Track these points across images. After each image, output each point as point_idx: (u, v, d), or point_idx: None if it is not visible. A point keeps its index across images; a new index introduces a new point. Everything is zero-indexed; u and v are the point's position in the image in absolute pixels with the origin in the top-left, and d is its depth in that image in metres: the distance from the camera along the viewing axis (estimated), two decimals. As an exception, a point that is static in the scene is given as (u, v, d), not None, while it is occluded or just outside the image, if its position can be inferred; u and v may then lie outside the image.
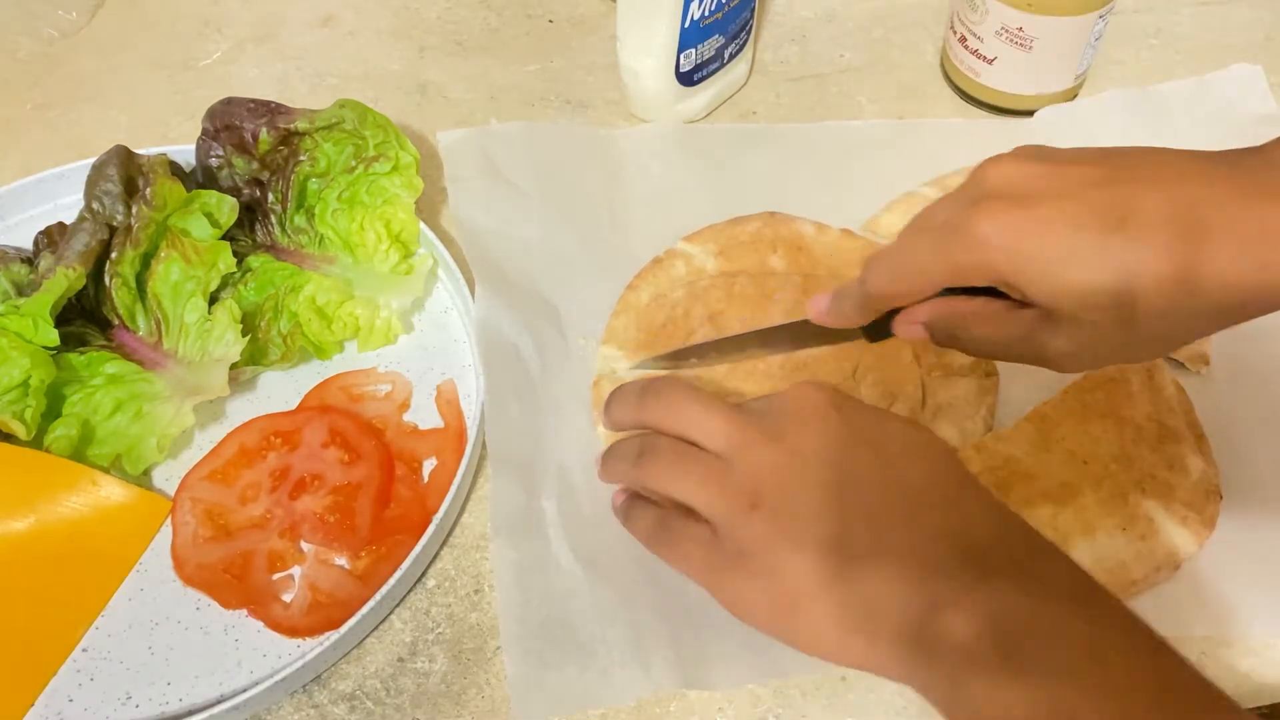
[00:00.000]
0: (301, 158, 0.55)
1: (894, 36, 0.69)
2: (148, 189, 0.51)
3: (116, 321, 0.51)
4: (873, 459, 0.39)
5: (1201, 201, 0.33)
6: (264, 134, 0.55)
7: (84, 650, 0.45)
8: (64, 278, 0.49)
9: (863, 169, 0.60)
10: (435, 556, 0.47)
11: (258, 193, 0.55)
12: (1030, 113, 0.62)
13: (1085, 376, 0.50)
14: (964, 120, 0.63)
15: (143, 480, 0.49)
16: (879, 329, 0.42)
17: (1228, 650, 0.43)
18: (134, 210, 0.51)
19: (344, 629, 0.43)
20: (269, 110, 0.55)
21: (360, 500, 0.47)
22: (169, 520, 0.48)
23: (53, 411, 0.49)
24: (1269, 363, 0.51)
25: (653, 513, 0.43)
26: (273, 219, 0.55)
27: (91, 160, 0.53)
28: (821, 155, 0.60)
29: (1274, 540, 0.46)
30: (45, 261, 0.51)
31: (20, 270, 0.52)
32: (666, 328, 0.52)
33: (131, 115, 0.66)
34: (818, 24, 0.70)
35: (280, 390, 0.53)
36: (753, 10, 0.63)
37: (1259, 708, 0.43)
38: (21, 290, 0.51)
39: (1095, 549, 0.44)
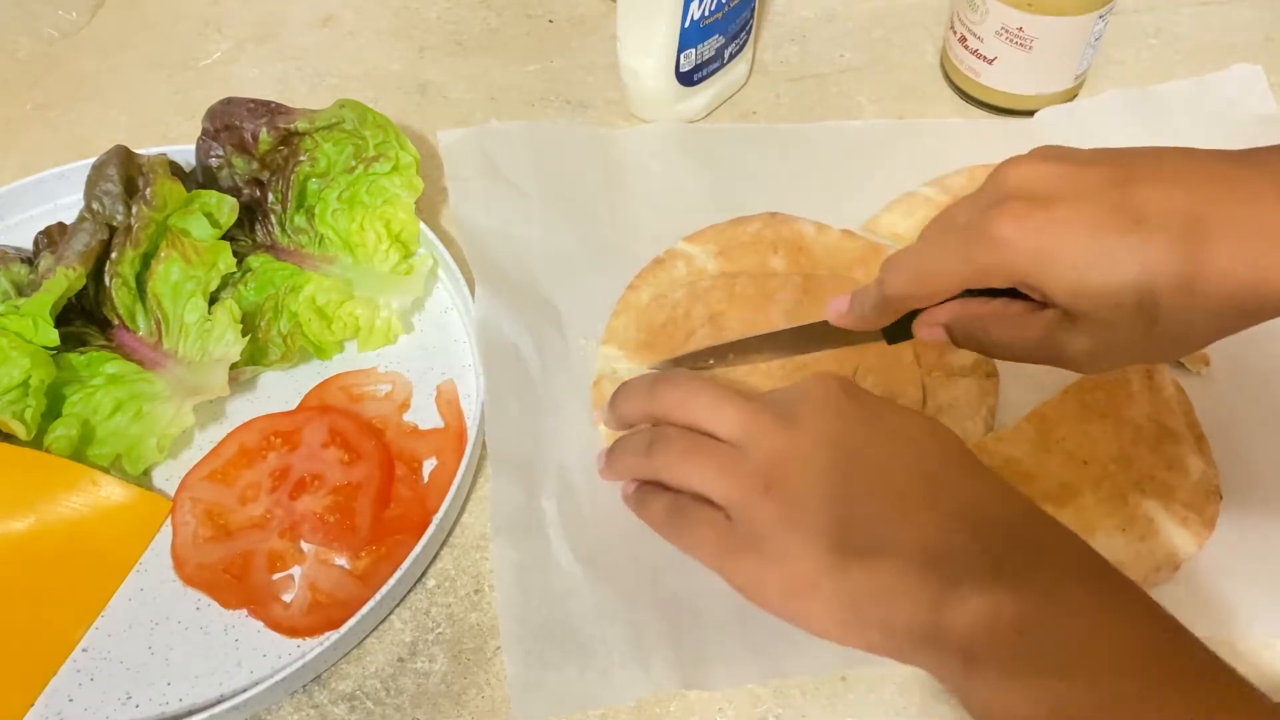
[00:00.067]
0: (301, 158, 0.55)
1: (894, 36, 0.69)
2: (148, 189, 0.51)
3: (116, 321, 0.51)
4: (885, 445, 0.40)
5: (1223, 201, 0.33)
6: (264, 134, 0.55)
7: (84, 650, 0.45)
8: (64, 278, 0.49)
9: (863, 169, 0.60)
10: (435, 556, 0.47)
11: (258, 193, 0.55)
12: (1030, 113, 0.62)
13: (1085, 376, 0.50)
14: (964, 120, 0.63)
15: (143, 480, 0.49)
16: (898, 331, 0.42)
17: (1228, 650, 0.43)
18: (134, 210, 0.51)
19: (344, 629, 0.43)
20: (269, 110, 0.55)
21: (360, 500, 0.47)
22: (169, 520, 0.48)
23: (53, 411, 0.49)
24: (1269, 363, 0.51)
25: (666, 498, 0.43)
26: (273, 219, 0.55)
27: (91, 160, 0.53)
28: (821, 155, 0.60)
29: (1275, 540, 0.46)
30: (45, 261, 0.51)
31: (20, 270, 0.52)
32: (667, 328, 0.52)
33: (131, 115, 0.66)
34: (818, 24, 0.70)
35: (280, 390, 0.52)
36: (753, 10, 0.63)
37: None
38: (21, 290, 0.51)
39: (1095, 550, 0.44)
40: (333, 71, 0.68)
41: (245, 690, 0.41)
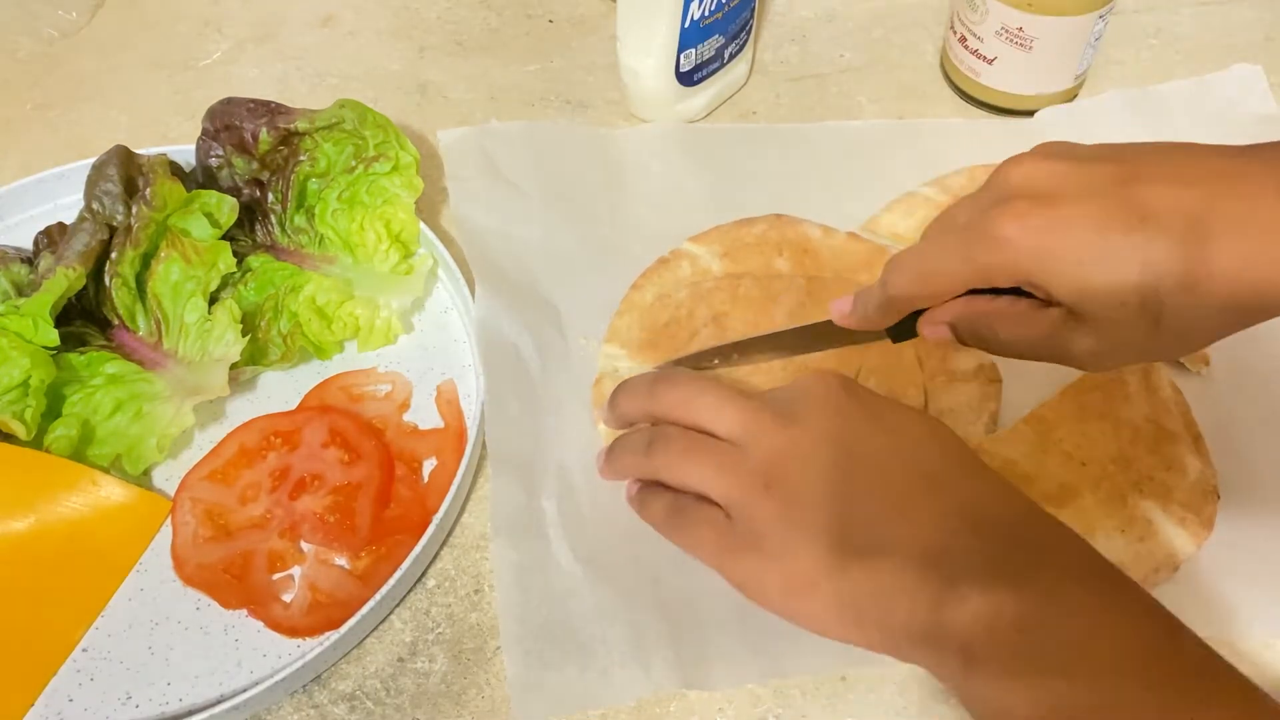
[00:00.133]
0: (301, 158, 0.55)
1: (894, 36, 0.69)
2: (148, 189, 0.51)
3: (116, 321, 0.51)
4: (885, 443, 0.40)
5: (1226, 197, 0.33)
6: (264, 134, 0.55)
7: (84, 650, 0.45)
8: (64, 278, 0.49)
9: (863, 169, 0.60)
10: (435, 556, 0.47)
11: (258, 193, 0.55)
12: (1030, 113, 0.62)
13: (1082, 377, 0.49)
14: (964, 120, 0.63)
15: (143, 480, 0.49)
16: (903, 330, 0.42)
17: (1228, 650, 0.43)
18: (134, 210, 0.51)
19: (344, 629, 0.43)
20: (269, 110, 0.55)
21: (360, 500, 0.47)
22: (169, 520, 0.48)
23: (53, 411, 0.49)
24: (1269, 363, 0.51)
25: (666, 498, 0.43)
26: (273, 219, 0.55)
27: (91, 160, 0.53)
28: (821, 155, 0.60)
29: (1275, 540, 0.46)
30: (45, 261, 0.51)
31: (20, 270, 0.52)
32: (670, 328, 0.52)
33: (131, 115, 0.66)
34: (818, 24, 0.70)
35: (280, 390, 0.52)
36: (753, 10, 0.63)
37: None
38: (21, 290, 0.51)
39: None
40: (333, 71, 0.68)
41: (245, 690, 0.41)
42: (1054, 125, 0.61)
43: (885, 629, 0.36)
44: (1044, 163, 0.36)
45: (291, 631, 0.45)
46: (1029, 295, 0.37)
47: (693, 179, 0.59)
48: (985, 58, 0.60)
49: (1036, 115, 0.62)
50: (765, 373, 0.50)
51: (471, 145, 0.58)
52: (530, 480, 0.47)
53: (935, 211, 0.56)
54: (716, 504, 0.41)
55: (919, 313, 0.41)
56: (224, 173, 0.56)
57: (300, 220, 0.55)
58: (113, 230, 0.51)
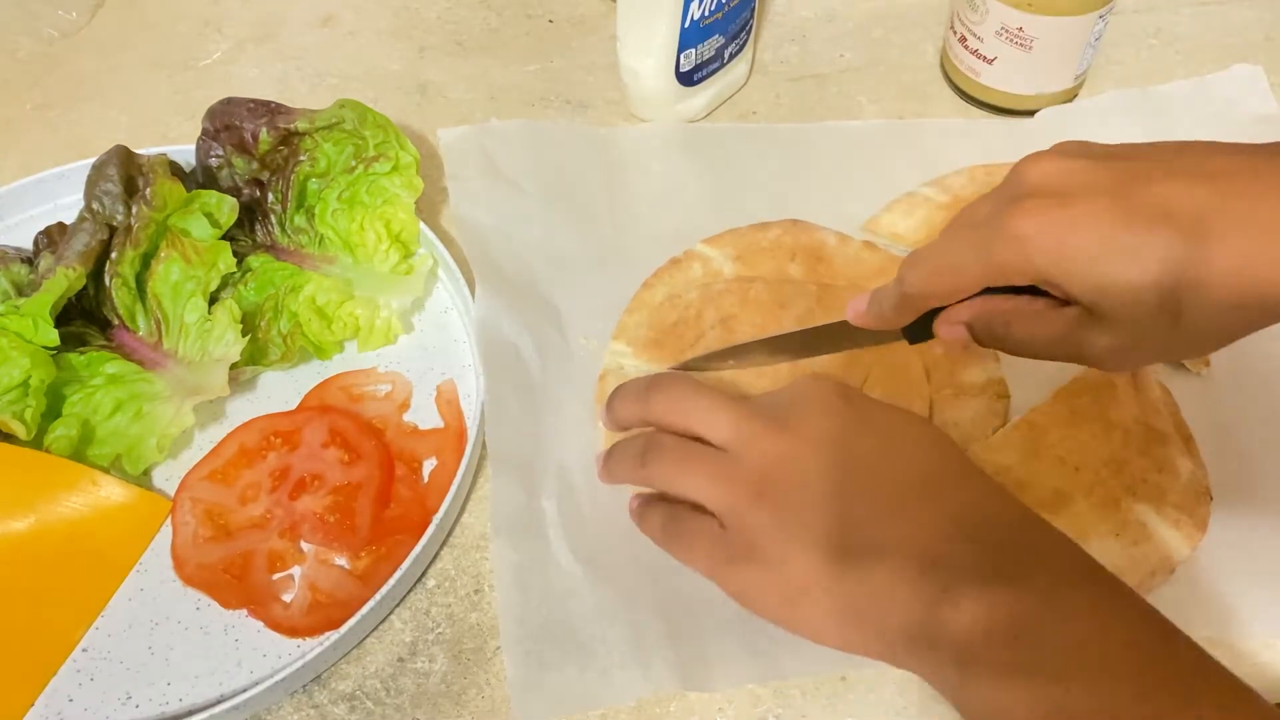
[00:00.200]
0: (301, 158, 0.55)
1: (894, 36, 0.69)
2: (148, 189, 0.51)
3: (116, 321, 0.51)
4: (878, 447, 0.40)
5: (1245, 194, 0.33)
6: (264, 134, 0.55)
7: (84, 650, 0.45)
8: (64, 278, 0.49)
9: (863, 169, 0.60)
10: (435, 556, 0.47)
11: (258, 193, 0.55)
12: (1030, 113, 0.62)
13: (1073, 380, 0.49)
14: (964, 120, 0.63)
15: (143, 480, 0.49)
16: (919, 331, 0.42)
17: (1228, 650, 0.43)
18: (134, 210, 0.51)
19: (344, 629, 0.43)
20: (269, 110, 0.55)
21: (360, 500, 0.47)
22: (169, 520, 0.48)
23: (53, 411, 0.49)
24: (1270, 363, 0.51)
25: (662, 510, 0.43)
26: (273, 219, 0.55)
27: (91, 160, 0.53)
28: (821, 155, 0.60)
29: (1276, 540, 0.45)
30: (45, 261, 0.51)
31: (20, 270, 0.52)
32: (678, 327, 0.52)
33: (131, 115, 0.66)
34: (818, 24, 0.70)
35: (280, 390, 0.52)
36: (753, 10, 0.63)
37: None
38: (21, 290, 0.51)
39: None
40: (333, 71, 0.68)
41: (245, 690, 0.41)
42: (1054, 125, 0.61)
43: (880, 634, 0.36)
44: (1061, 161, 0.36)
45: (291, 631, 0.45)
46: (1046, 295, 0.37)
47: (693, 179, 0.59)
48: (985, 58, 0.60)
49: (1036, 115, 0.62)
50: (771, 377, 0.50)
51: (471, 145, 0.58)
52: (530, 480, 0.47)
53: (935, 211, 0.56)
54: (713, 513, 0.41)
55: (935, 314, 0.41)
56: (224, 173, 0.56)
57: (300, 220, 0.55)
58: (113, 230, 0.51)
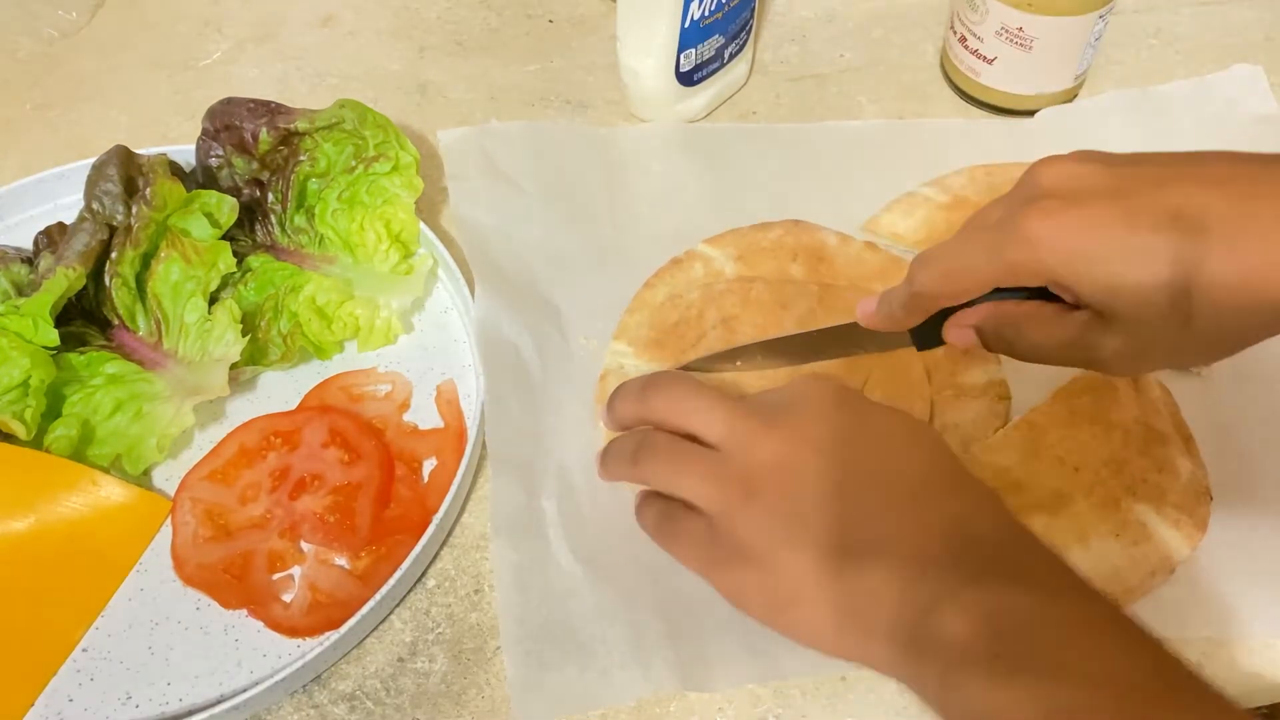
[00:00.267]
0: (301, 158, 0.55)
1: (894, 36, 0.69)
2: (148, 189, 0.51)
3: (116, 321, 0.51)
4: (872, 450, 0.39)
5: (1257, 198, 0.33)
6: (264, 134, 0.55)
7: (84, 650, 0.45)
8: (64, 278, 0.49)
9: (863, 169, 0.60)
10: (435, 556, 0.47)
11: (258, 193, 0.55)
12: (1030, 113, 0.62)
13: (1072, 380, 0.49)
14: (964, 120, 0.63)
15: (143, 480, 0.49)
16: (927, 336, 0.41)
17: (1228, 650, 0.43)
18: (134, 210, 0.51)
19: (344, 629, 0.43)
20: (269, 110, 0.55)
21: (360, 500, 0.47)
22: (169, 520, 0.48)
23: (53, 411, 0.49)
24: (1270, 363, 0.51)
25: (658, 506, 0.43)
26: (273, 219, 0.55)
27: (91, 160, 0.53)
28: (821, 155, 0.60)
29: (1276, 540, 0.45)
30: (45, 261, 0.51)
31: (20, 270, 0.52)
32: (678, 328, 0.52)
33: (131, 115, 0.66)
34: (818, 24, 0.70)
35: (280, 390, 0.52)
36: (753, 10, 0.63)
37: (1260, 708, 0.43)
38: (21, 290, 0.51)
39: (1090, 557, 0.44)
40: (333, 71, 0.68)
41: (245, 690, 0.41)
42: (1054, 125, 0.61)
43: (867, 639, 0.36)
44: (1075, 164, 0.36)
45: (291, 631, 0.45)
46: (1057, 299, 0.37)
47: (693, 179, 0.59)
48: (985, 58, 0.60)
49: (1036, 115, 0.62)
50: (773, 379, 0.50)
51: (471, 145, 0.58)
52: (530, 480, 0.47)
53: (935, 211, 0.56)
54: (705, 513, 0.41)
55: (943, 318, 0.40)
56: (224, 173, 0.56)
57: (300, 220, 0.55)
58: (113, 230, 0.51)
